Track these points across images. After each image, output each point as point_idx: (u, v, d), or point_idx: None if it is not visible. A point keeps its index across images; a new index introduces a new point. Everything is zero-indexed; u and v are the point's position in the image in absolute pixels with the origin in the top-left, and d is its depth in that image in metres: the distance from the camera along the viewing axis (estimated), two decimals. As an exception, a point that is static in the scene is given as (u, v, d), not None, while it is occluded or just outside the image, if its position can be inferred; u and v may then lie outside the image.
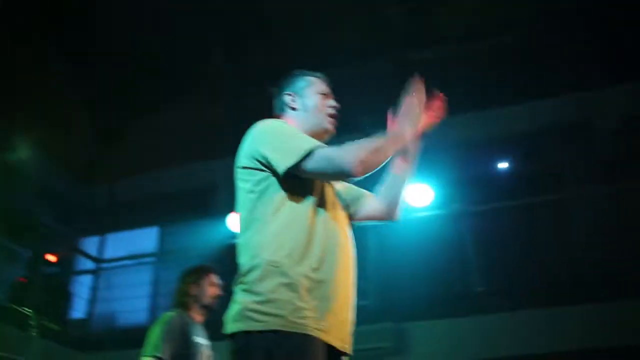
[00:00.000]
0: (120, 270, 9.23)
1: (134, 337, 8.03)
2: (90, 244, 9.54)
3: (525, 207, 7.22)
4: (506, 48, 7.50)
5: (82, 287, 8.82)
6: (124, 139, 9.51)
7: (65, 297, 7.83)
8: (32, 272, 7.50)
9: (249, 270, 2.01)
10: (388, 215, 2.47)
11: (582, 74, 7.05)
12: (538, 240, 6.99)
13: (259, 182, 2.12)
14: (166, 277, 9.02)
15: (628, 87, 7.30)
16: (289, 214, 2.06)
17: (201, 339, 3.69)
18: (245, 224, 2.12)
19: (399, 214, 2.47)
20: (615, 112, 7.26)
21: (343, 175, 2.09)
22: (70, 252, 8.89)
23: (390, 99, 2.30)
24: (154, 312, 8.75)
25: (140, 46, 8.28)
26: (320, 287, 1.99)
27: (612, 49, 7.15)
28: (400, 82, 2.31)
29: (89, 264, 9.19)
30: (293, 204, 2.09)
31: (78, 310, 8.34)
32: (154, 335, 3.52)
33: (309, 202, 2.11)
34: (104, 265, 9.14)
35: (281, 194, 2.09)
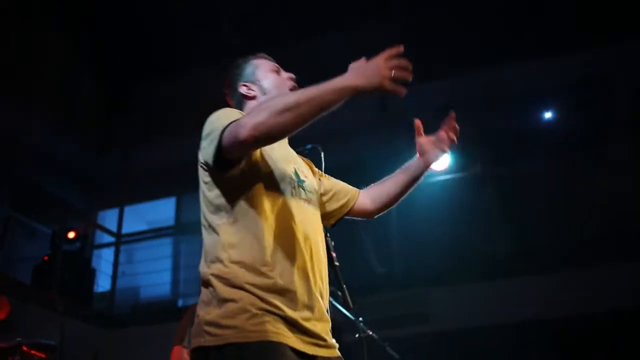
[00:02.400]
0: (140, 244, 9.24)
1: (157, 311, 8.16)
2: (108, 217, 9.56)
3: (555, 166, 7.09)
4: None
5: (103, 262, 8.84)
6: (137, 109, 9.44)
7: (87, 274, 7.84)
8: (53, 250, 7.51)
9: (206, 282, 1.90)
10: (369, 215, 2.34)
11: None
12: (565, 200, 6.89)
13: (209, 185, 1.95)
14: (186, 249, 9.03)
15: None
16: (243, 221, 1.89)
17: None
18: (203, 229, 1.98)
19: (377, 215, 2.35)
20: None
21: (241, 144, 1.77)
22: (89, 227, 8.89)
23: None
24: (175, 286, 8.78)
25: (155, 14, 8.19)
26: (278, 292, 1.83)
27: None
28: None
29: (109, 239, 9.20)
30: (244, 206, 1.90)
31: (101, 286, 8.36)
32: (182, 324, 3.57)
33: (262, 204, 1.91)
34: (124, 239, 9.13)
35: (236, 199, 1.91)
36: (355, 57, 1.81)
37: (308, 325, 1.85)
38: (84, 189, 9.53)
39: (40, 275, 7.24)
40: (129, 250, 9.24)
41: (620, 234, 6.40)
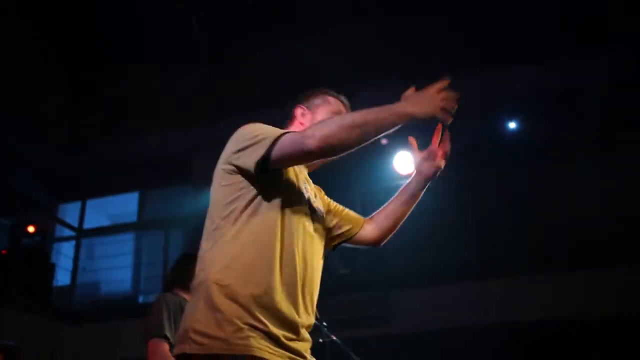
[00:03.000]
0: (101, 240, 9.14)
1: (117, 307, 8.09)
2: (70, 210, 9.43)
3: (519, 173, 7.20)
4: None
5: (63, 257, 8.72)
6: (100, 102, 9.33)
7: (47, 269, 7.72)
8: (12, 243, 7.37)
9: (199, 286, 1.91)
10: (376, 243, 2.40)
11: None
12: (529, 207, 6.99)
13: (230, 189, 2.00)
14: (148, 246, 8.96)
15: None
16: (250, 234, 1.93)
17: None
18: (207, 233, 2.01)
19: (385, 241, 2.41)
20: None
21: (304, 154, 1.86)
22: (50, 221, 8.76)
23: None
24: (136, 282, 8.71)
25: (119, 8, 8.10)
26: (266, 309, 1.85)
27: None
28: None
29: (69, 232, 9.08)
30: (257, 220, 1.94)
31: (60, 281, 8.25)
32: (156, 315, 3.44)
33: (274, 222, 1.95)
34: (86, 235, 9.03)
35: (249, 209, 1.95)
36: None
37: (290, 344, 1.88)
38: (44, 182, 9.38)
39: (-1, 269, 7.11)
40: (89, 245, 9.12)
41: (581, 241, 6.53)
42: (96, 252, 9.13)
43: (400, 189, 2.39)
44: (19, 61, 8.41)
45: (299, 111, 2.29)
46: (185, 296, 3.64)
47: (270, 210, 1.95)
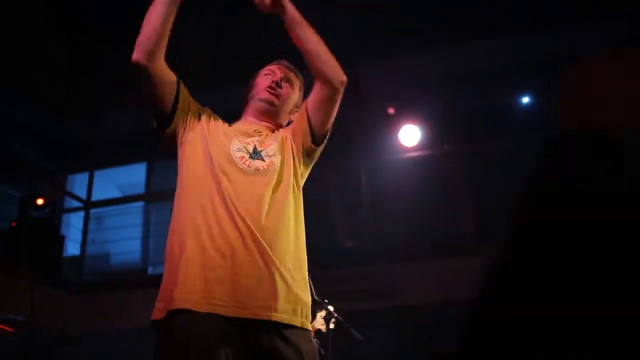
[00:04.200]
0: (110, 211, 9.22)
1: (127, 279, 8.19)
2: (78, 180, 9.51)
3: (529, 146, 7.18)
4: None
5: (72, 229, 8.81)
6: (106, 72, 9.32)
7: (56, 241, 7.80)
8: (22, 216, 7.45)
9: None
10: (330, 84, 2.26)
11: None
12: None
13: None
14: (156, 217, 9.03)
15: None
16: (176, 204, 2.14)
17: None
18: None
19: (329, 69, 2.27)
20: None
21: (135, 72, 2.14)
22: (58, 193, 8.83)
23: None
24: (145, 253, 8.79)
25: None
26: (190, 262, 1.96)
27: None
28: None
29: (78, 204, 9.16)
30: (180, 190, 2.17)
31: (70, 253, 8.34)
32: None
33: (187, 182, 2.16)
34: (93, 205, 9.10)
35: (178, 179, 2.20)
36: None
37: (240, 294, 1.94)
38: (53, 153, 9.44)
39: (8, 241, 7.19)
40: (98, 216, 9.21)
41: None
42: (105, 223, 9.22)
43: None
44: (24, 31, 8.40)
45: (247, 93, 2.60)
46: None
47: (185, 174, 2.17)
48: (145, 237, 8.82)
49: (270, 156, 2.19)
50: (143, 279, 8.07)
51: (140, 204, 9.28)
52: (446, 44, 7.51)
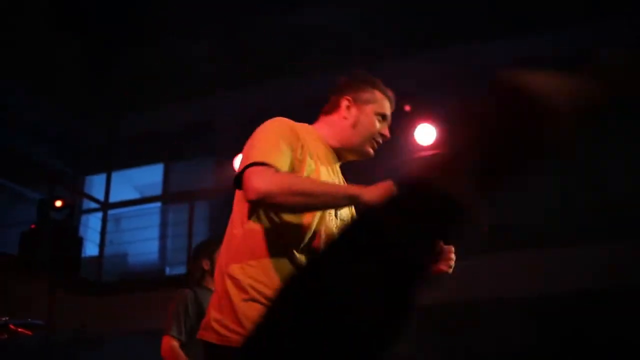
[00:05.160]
0: (127, 212, 9.28)
1: (145, 279, 8.23)
2: (96, 182, 9.58)
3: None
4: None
5: (90, 230, 8.87)
6: (124, 73, 9.38)
7: (75, 243, 7.86)
8: (41, 218, 7.51)
9: (217, 274, 2.07)
10: None
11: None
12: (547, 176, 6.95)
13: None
14: (173, 218, 9.08)
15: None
16: (269, 233, 2.02)
17: None
18: (233, 220, 2.11)
19: None
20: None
21: (248, 197, 1.90)
22: (76, 195, 8.91)
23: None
24: (163, 254, 8.84)
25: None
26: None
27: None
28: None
29: (96, 205, 9.23)
30: (280, 220, 2.02)
31: (89, 255, 8.40)
32: (169, 314, 3.73)
33: (299, 223, 2.03)
34: (111, 207, 9.17)
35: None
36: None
37: None
38: (70, 155, 9.52)
39: (28, 244, 7.25)
40: (116, 218, 9.27)
41: (600, 214, 6.50)
42: (123, 224, 9.28)
43: None
44: (38, 31, 8.45)
45: (344, 103, 2.24)
46: (212, 286, 3.88)
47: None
48: (163, 238, 8.87)
49: None
50: (161, 279, 8.11)
51: (158, 204, 9.34)
52: (462, 41, 7.49)
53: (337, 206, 1.98)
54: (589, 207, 6.53)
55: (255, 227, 1.98)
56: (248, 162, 1.91)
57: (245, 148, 2.01)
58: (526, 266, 6.40)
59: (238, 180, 1.93)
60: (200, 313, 3.69)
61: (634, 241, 6.04)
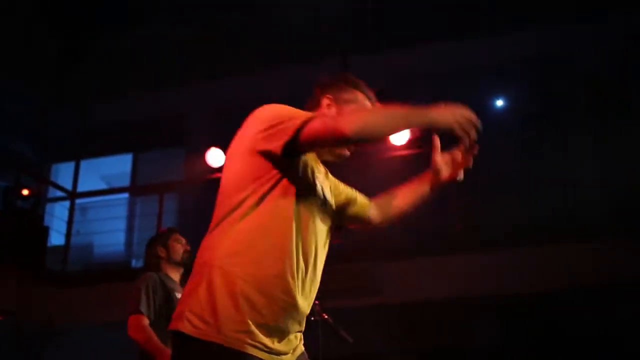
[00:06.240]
0: (94, 202, 9.16)
1: (111, 271, 8.14)
2: (63, 170, 9.44)
3: (507, 144, 7.21)
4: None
5: (56, 220, 8.73)
6: (93, 61, 9.25)
7: (41, 232, 7.73)
8: (6, 206, 7.38)
9: (199, 266, 1.92)
10: (373, 226, 2.37)
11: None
12: (518, 178, 7.02)
13: (248, 174, 1.93)
14: (141, 210, 8.99)
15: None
16: (262, 222, 1.89)
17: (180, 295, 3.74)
18: (218, 211, 1.97)
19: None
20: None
21: (336, 138, 1.84)
22: (43, 184, 8.76)
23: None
24: (129, 246, 8.75)
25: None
26: (268, 305, 1.85)
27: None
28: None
29: (62, 194, 9.09)
30: (271, 209, 1.90)
31: (54, 244, 8.27)
32: (135, 293, 3.61)
33: (289, 213, 1.91)
34: (78, 196, 9.03)
35: (265, 195, 1.90)
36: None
37: (277, 346, 1.89)
38: (37, 143, 9.38)
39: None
40: (83, 207, 9.14)
41: (568, 215, 6.59)
42: (89, 215, 9.16)
43: (410, 183, 2.35)
44: (15, 23, 8.32)
45: (325, 101, 2.19)
46: (169, 273, 3.86)
47: (285, 199, 1.91)
48: (130, 230, 8.77)
49: None
50: (127, 272, 8.01)
51: (125, 195, 9.23)
52: (437, 39, 7.53)
53: (412, 126, 2.08)
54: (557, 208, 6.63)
55: (245, 221, 1.90)
56: (300, 122, 1.83)
57: (270, 121, 1.91)
58: (494, 266, 6.45)
59: (289, 142, 1.84)
60: (167, 297, 3.66)
61: (600, 241, 6.15)
